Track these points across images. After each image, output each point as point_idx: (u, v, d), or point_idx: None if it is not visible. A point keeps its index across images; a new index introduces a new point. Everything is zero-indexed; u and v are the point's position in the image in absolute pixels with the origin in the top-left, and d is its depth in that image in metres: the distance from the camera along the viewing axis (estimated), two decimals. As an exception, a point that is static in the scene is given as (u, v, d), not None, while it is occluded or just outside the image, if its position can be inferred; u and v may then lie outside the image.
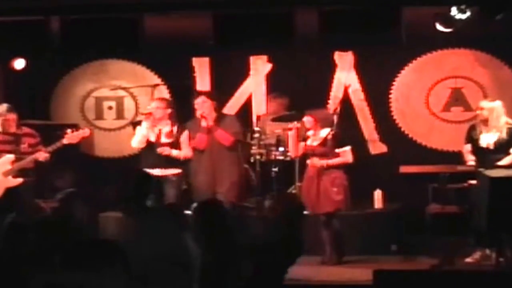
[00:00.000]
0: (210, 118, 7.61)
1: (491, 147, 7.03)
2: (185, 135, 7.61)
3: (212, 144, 7.62)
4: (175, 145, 7.50)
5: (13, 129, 7.39)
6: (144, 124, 7.46)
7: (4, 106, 7.45)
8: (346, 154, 7.22)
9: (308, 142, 7.34)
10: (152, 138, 7.48)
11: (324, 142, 7.21)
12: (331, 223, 7.23)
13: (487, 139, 7.05)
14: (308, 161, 7.41)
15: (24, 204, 7.18)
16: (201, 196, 7.25)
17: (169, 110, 7.57)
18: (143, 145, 7.46)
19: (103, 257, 1.88)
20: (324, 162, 7.14)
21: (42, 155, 7.26)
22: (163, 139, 7.47)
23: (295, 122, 7.51)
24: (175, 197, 7.46)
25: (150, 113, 7.47)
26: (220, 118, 7.75)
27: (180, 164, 7.63)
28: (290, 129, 7.44)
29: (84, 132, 7.50)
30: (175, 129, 7.53)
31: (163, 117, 7.52)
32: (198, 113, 7.65)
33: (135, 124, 8.17)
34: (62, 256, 1.86)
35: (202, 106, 7.64)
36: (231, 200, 7.49)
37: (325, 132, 7.24)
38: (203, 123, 7.60)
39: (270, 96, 9.11)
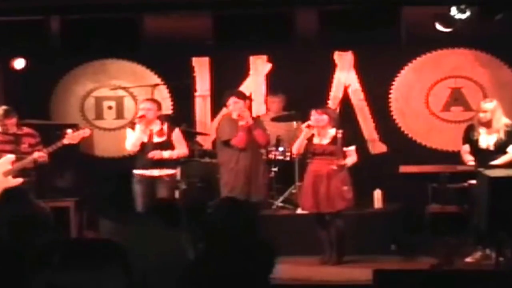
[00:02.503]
0: (248, 117, 7.57)
1: (491, 148, 7.01)
2: (177, 133, 7.58)
3: (250, 144, 7.61)
4: (167, 144, 7.47)
5: (13, 130, 7.36)
6: (138, 127, 7.41)
7: (2, 110, 7.38)
8: (352, 153, 7.26)
9: (315, 140, 7.30)
10: (145, 139, 7.44)
11: (334, 140, 7.21)
12: (336, 222, 7.24)
13: (487, 140, 7.04)
14: (309, 160, 7.38)
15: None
16: (235, 195, 7.28)
17: (159, 112, 7.55)
18: (137, 148, 7.42)
19: (103, 257, 1.88)
20: (343, 162, 7.14)
21: (39, 155, 7.23)
22: (155, 139, 7.43)
23: (309, 120, 7.40)
24: (170, 198, 7.47)
25: (143, 116, 7.41)
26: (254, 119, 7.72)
27: (175, 164, 7.64)
28: (311, 126, 7.23)
29: (84, 132, 7.47)
30: (165, 127, 7.51)
31: (154, 118, 7.46)
32: (234, 115, 7.58)
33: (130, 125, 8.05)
34: (61, 256, 1.86)
35: (235, 107, 7.58)
36: (263, 199, 7.61)
37: (333, 131, 7.24)
38: (241, 122, 7.54)
39: (269, 97, 9.11)
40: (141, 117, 7.38)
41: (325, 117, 7.23)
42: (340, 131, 7.20)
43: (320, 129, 7.26)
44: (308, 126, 7.23)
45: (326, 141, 7.26)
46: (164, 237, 3.68)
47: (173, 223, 3.90)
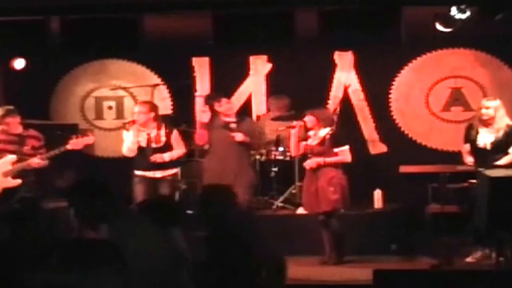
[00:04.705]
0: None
1: (488, 147, 6.99)
2: (175, 135, 7.55)
3: (227, 145, 7.55)
4: (166, 147, 7.44)
5: (18, 131, 7.29)
6: (131, 132, 7.38)
7: (4, 109, 7.32)
8: (344, 153, 7.18)
9: (309, 141, 7.32)
10: (143, 143, 7.38)
11: (322, 141, 7.19)
12: (330, 223, 7.21)
13: (484, 140, 7.02)
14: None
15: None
16: None
17: (152, 114, 7.42)
18: (135, 152, 7.38)
19: (102, 257, 1.88)
20: (321, 159, 7.12)
21: (37, 162, 7.18)
22: (154, 145, 7.40)
23: (299, 121, 7.42)
24: (171, 197, 7.45)
25: (133, 121, 7.39)
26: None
27: (176, 164, 7.63)
28: (293, 127, 7.39)
29: (88, 139, 7.35)
30: (162, 132, 7.45)
31: (147, 121, 7.39)
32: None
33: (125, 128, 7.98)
34: (60, 256, 1.86)
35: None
36: (246, 203, 7.33)
37: (324, 131, 7.23)
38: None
39: (270, 99, 9.10)
40: (130, 122, 7.36)
41: (310, 118, 7.24)
42: (329, 131, 7.19)
43: (313, 130, 7.28)
44: (292, 127, 7.39)
45: (315, 142, 7.26)
46: (159, 235, 3.66)
47: (166, 221, 3.87)
